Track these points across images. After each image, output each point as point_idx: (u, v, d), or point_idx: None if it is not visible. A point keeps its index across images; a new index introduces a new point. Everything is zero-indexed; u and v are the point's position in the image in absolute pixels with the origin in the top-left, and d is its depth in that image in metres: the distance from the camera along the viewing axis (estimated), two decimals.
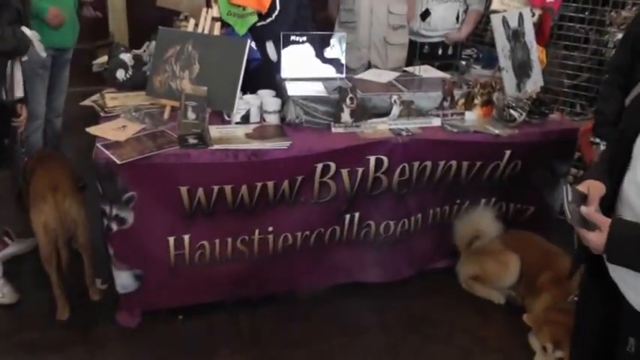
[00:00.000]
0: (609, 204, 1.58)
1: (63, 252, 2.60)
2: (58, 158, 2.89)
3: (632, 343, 1.59)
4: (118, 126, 2.57)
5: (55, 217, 2.50)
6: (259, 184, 2.48)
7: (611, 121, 2.53)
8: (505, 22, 2.97)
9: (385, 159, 2.64)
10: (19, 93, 2.57)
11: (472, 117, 2.93)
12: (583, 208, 1.48)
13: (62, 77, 3.55)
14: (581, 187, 1.55)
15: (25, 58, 2.57)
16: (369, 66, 3.44)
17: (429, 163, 2.75)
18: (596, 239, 1.47)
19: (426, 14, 3.36)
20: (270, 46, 3.07)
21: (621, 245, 1.44)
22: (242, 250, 2.63)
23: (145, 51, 3.13)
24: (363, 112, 2.74)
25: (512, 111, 2.88)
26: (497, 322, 2.80)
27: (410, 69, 3.31)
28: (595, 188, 1.55)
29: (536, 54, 3.10)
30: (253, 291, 2.79)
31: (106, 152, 2.33)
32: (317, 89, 2.82)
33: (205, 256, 2.59)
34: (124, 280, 2.53)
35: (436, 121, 2.84)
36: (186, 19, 2.84)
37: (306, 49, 2.94)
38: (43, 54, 2.72)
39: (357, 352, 2.58)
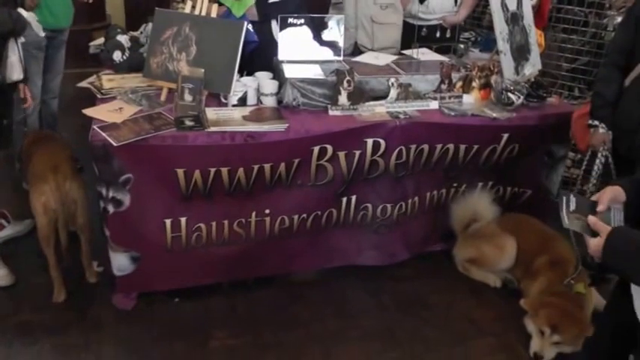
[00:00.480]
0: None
1: (62, 233, 2.60)
2: (57, 139, 2.88)
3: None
4: (115, 108, 2.55)
5: (55, 198, 2.50)
6: (256, 167, 2.47)
7: (610, 102, 2.51)
8: (504, 4, 2.95)
9: (382, 142, 2.64)
10: (16, 75, 2.54)
11: (470, 100, 2.92)
12: (591, 218, 1.55)
13: (58, 59, 3.53)
14: (597, 195, 1.61)
15: (22, 40, 2.54)
16: (356, 46, 3.41)
17: (426, 146, 2.75)
18: (594, 246, 1.54)
19: None
20: (275, 25, 3.04)
21: (614, 253, 1.50)
22: (239, 233, 2.63)
23: (141, 33, 3.11)
24: (360, 95, 2.73)
25: (510, 94, 2.87)
26: (493, 305, 2.81)
27: (408, 52, 3.29)
28: (607, 192, 1.61)
29: (535, 37, 3.09)
30: (249, 274, 2.80)
31: (103, 134, 2.32)
32: (314, 72, 2.80)
33: (202, 239, 2.59)
34: (121, 262, 2.53)
35: (434, 104, 2.83)
36: (184, 0, 2.82)
37: (304, 32, 2.92)
38: (42, 33, 2.70)
39: (353, 334, 2.59)
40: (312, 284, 2.88)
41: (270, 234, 2.68)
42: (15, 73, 2.54)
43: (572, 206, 1.57)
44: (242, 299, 2.75)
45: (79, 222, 2.63)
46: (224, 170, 2.44)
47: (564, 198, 1.58)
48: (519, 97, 2.87)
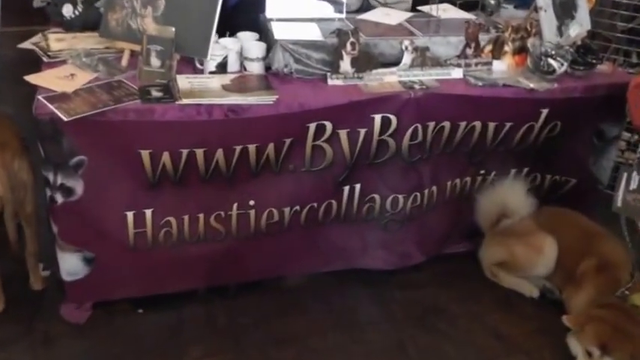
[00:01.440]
0: None
1: (9, 225, 2.58)
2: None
3: None
4: (65, 74, 2.54)
5: (2, 180, 2.46)
6: (238, 148, 2.49)
7: None
8: None
9: (393, 118, 2.65)
10: None
11: (501, 67, 2.92)
12: None
13: None
14: None
15: None
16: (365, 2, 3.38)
17: (447, 124, 2.75)
18: None
19: None
20: None
21: None
22: (217, 229, 2.65)
23: None
24: (366, 61, 2.73)
25: (551, 60, 2.87)
26: (527, 319, 2.83)
27: (425, 8, 3.28)
28: None
29: None
30: (231, 278, 2.82)
31: (50, 106, 2.31)
32: (310, 32, 2.80)
33: (172, 236, 2.60)
34: (71, 264, 2.54)
35: (457, 73, 2.83)
36: None
37: None
38: None
39: (357, 351, 2.62)
40: (308, 291, 2.90)
41: (256, 230, 2.70)
42: None
43: (634, 184, 1.51)
44: (222, 309, 2.76)
45: (27, 210, 2.62)
46: (199, 152, 2.45)
47: (625, 174, 1.53)
48: (562, 64, 2.87)
